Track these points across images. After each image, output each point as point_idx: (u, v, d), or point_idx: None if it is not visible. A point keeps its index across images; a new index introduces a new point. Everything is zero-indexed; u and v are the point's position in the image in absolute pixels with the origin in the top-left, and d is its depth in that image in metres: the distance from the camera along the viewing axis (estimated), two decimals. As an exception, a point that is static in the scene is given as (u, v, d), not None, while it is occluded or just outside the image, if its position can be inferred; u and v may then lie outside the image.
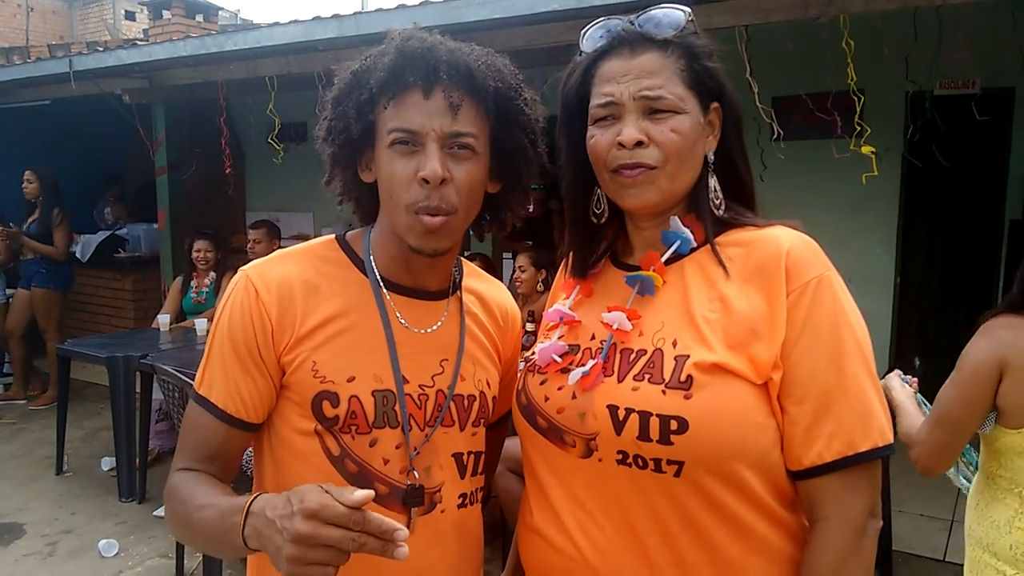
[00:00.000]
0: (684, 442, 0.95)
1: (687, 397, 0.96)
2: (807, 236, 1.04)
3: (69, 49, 7.57)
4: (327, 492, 0.80)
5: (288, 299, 1.08)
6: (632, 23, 1.06)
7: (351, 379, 1.07)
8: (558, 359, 1.11)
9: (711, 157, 1.08)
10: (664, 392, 0.97)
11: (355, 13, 4.32)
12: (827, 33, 3.48)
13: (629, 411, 0.99)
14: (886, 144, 4.30)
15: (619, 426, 1.00)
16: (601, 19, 1.08)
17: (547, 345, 1.13)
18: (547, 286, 4.11)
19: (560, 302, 1.21)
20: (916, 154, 4.86)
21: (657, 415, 0.97)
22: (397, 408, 1.08)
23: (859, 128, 3.26)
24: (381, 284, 1.12)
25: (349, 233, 1.19)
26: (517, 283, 4.20)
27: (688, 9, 1.06)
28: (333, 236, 1.18)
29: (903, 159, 5.00)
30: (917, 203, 5.29)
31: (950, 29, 3.74)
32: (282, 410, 1.10)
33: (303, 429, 1.08)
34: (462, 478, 1.15)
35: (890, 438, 0.99)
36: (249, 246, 4.97)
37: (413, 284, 1.14)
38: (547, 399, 1.09)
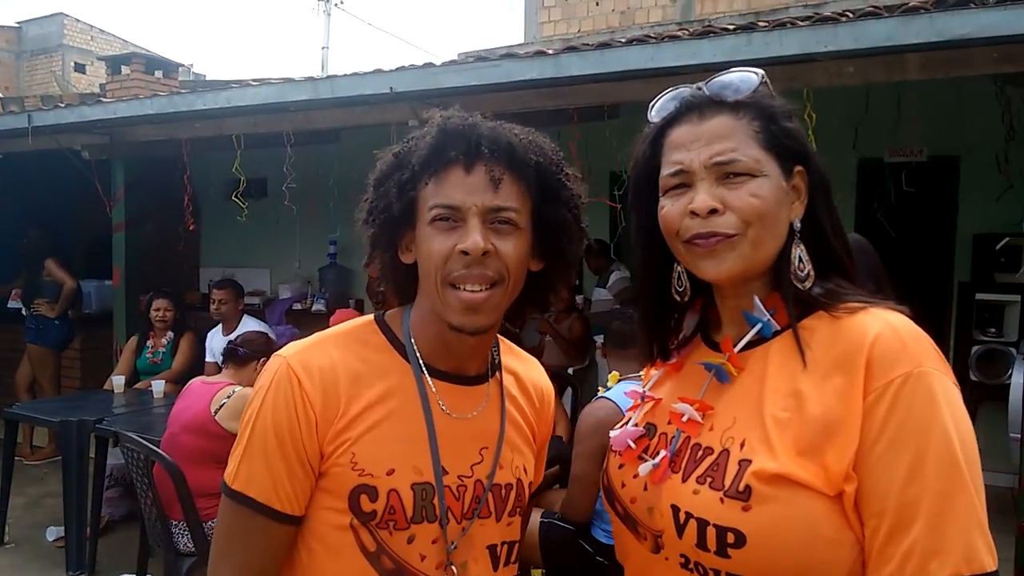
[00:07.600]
0: (742, 557, 0.87)
1: (745, 508, 0.88)
2: (909, 322, 0.92)
3: (23, 103, 7.41)
4: None
5: (332, 388, 1.04)
6: (700, 88, 1.01)
7: (391, 472, 1.02)
8: (632, 445, 1.07)
9: (797, 225, 0.99)
10: (722, 500, 0.90)
11: (329, 76, 4.36)
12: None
13: (688, 516, 0.93)
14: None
15: (680, 529, 0.94)
16: (669, 90, 1.04)
17: (623, 430, 1.10)
18: None
19: (645, 373, 1.19)
20: (866, 221, 5.06)
21: (714, 525, 0.90)
22: (435, 501, 1.04)
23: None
24: (424, 370, 1.09)
25: (388, 313, 1.16)
26: None
27: (761, 72, 0.99)
28: (372, 318, 1.15)
29: (854, 226, 5.19)
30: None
31: (904, 102, 3.96)
32: (317, 500, 1.04)
33: (338, 523, 1.03)
34: (495, 570, 1.12)
35: (983, 566, 0.82)
36: (214, 307, 4.83)
37: (453, 369, 1.11)
38: (623, 486, 1.06)
